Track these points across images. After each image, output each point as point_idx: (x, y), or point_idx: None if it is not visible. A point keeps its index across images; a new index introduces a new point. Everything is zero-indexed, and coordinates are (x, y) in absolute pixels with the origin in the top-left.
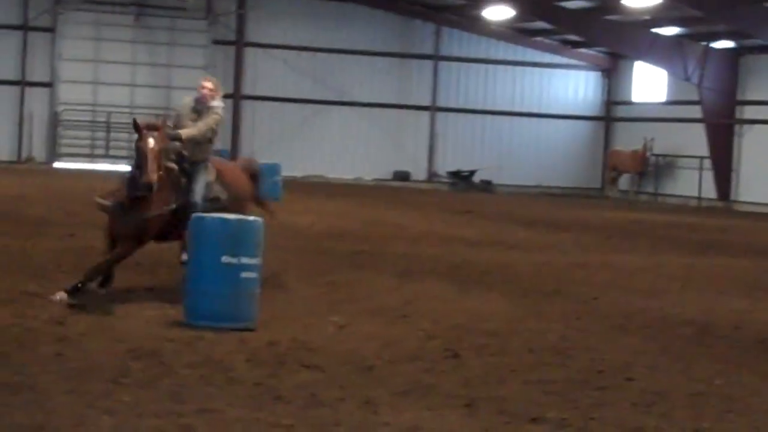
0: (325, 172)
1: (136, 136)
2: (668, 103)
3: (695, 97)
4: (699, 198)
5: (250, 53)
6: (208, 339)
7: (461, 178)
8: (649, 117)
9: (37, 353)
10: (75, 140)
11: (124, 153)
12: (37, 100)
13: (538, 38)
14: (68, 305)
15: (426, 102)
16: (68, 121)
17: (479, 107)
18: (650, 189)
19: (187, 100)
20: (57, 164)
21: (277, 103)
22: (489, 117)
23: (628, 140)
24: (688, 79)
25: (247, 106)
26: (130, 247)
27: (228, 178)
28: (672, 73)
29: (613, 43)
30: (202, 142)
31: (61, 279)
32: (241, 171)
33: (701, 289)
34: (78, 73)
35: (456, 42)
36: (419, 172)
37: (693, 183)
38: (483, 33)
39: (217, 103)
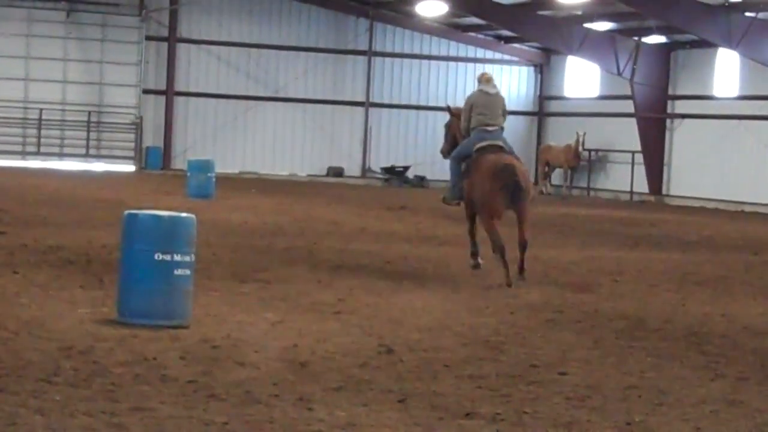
0: (259, 168)
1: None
2: (600, 98)
3: (627, 91)
4: (631, 192)
5: (182, 49)
6: (142, 337)
7: (395, 174)
8: (582, 112)
9: None
10: (6, 137)
11: (55, 150)
12: None
13: (471, 33)
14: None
15: (360, 97)
16: None
17: (413, 102)
18: (583, 184)
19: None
20: None
21: (210, 100)
22: (423, 112)
23: (560, 135)
24: (620, 73)
25: (180, 103)
26: None
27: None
28: (604, 68)
29: (545, 38)
30: None
31: None
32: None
33: (633, 283)
34: (9, 70)
35: (390, 37)
36: (354, 168)
37: (625, 177)
38: (417, 29)
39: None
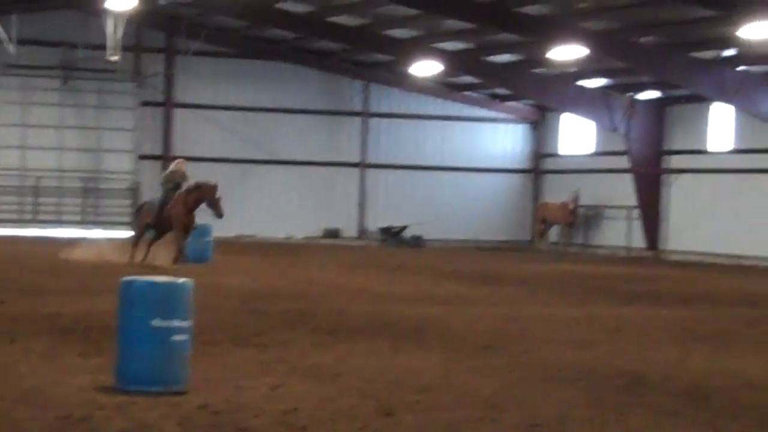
0: (256, 231)
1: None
2: (596, 154)
3: (622, 147)
4: (628, 248)
5: (179, 114)
6: (140, 404)
7: (392, 234)
8: (578, 168)
9: None
10: (2, 205)
11: (52, 217)
12: None
13: (466, 92)
14: None
15: (356, 159)
16: None
17: (409, 162)
18: (580, 240)
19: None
20: None
21: (207, 164)
22: (419, 172)
23: (556, 192)
24: (615, 129)
25: None
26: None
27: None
28: (599, 124)
29: (540, 95)
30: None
31: None
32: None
33: (632, 340)
34: (5, 138)
35: (385, 98)
36: (350, 229)
37: (622, 233)
38: (411, 88)
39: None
